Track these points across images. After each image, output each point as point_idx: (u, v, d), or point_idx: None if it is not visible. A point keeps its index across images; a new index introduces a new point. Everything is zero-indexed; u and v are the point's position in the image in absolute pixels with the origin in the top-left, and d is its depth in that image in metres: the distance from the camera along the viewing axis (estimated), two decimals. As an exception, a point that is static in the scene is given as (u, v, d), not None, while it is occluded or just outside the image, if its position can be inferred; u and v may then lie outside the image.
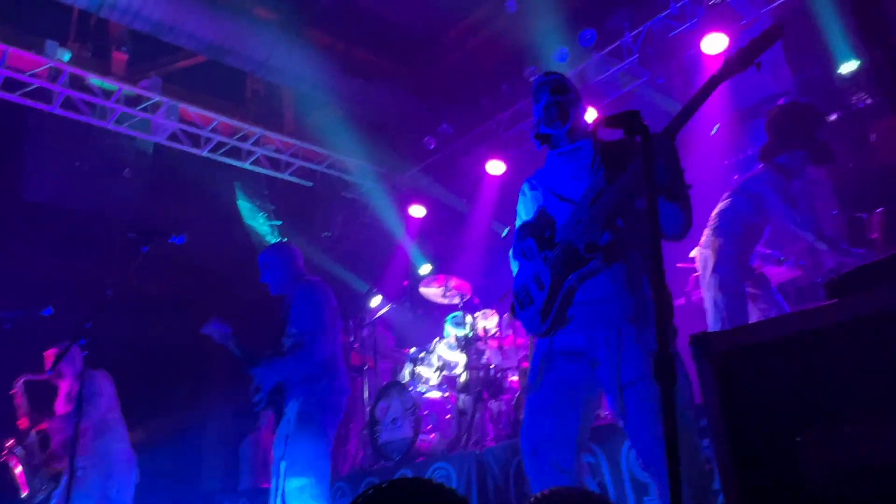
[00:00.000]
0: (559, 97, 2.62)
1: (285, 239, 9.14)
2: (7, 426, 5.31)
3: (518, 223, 2.83)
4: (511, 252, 2.80)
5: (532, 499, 1.69)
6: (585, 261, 2.39)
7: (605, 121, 1.74)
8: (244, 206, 8.88)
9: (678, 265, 5.28)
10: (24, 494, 5.08)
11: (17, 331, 4.61)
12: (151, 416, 9.39)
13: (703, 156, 6.36)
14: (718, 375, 1.66)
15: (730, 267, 4.25)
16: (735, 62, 2.14)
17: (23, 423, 5.22)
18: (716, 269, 4.27)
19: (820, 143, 4.40)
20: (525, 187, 2.85)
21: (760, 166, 4.52)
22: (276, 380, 3.80)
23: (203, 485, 8.99)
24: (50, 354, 5.22)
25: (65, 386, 5.18)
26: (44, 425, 5.15)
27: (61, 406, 5.13)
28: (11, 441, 5.16)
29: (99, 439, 4.97)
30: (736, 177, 5.09)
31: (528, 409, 2.52)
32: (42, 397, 5.32)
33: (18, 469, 5.09)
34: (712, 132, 6.37)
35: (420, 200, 8.62)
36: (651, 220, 1.69)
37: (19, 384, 5.26)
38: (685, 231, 2.43)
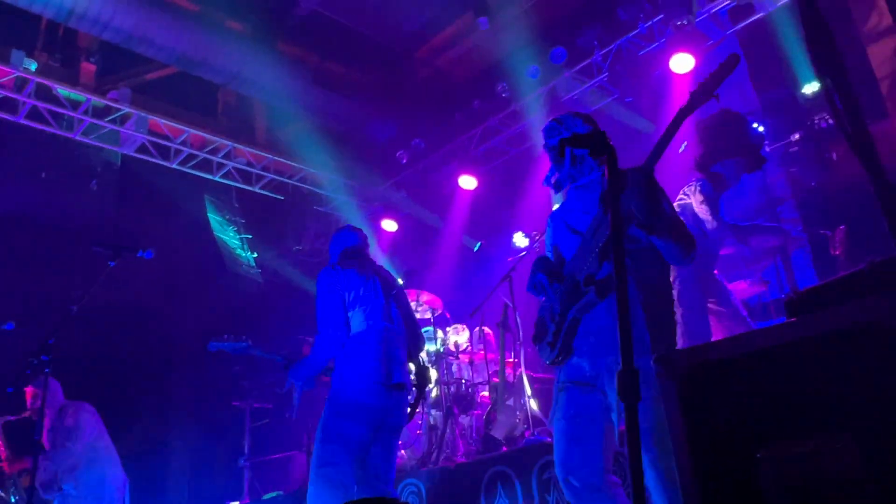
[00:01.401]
0: (553, 141, 2.78)
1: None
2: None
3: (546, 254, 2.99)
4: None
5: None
6: (583, 294, 2.54)
7: (570, 141, 1.77)
8: (214, 220, 8.79)
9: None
10: None
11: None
12: (117, 431, 9.20)
13: (671, 174, 6.45)
14: (681, 392, 1.68)
15: (688, 282, 4.28)
16: (698, 95, 2.35)
17: (6, 467, 5.12)
18: (674, 285, 4.30)
19: (752, 149, 4.49)
20: (549, 220, 2.98)
21: (696, 177, 4.57)
22: (299, 383, 3.63)
23: (169, 499, 8.81)
24: (29, 391, 5.15)
25: (48, 422, 5.09)
26: (27, 464, 5.04)
27: (47, 442, 5.03)
28: None
29: (89, 469, 4.98)
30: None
31: (556, 438, 2.64)
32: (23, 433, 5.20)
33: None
34: (680, 150, 6.47)
35: (392, 215, 8.62)
36: (615, 239, 1.71)
37: None
38: (685, 257, 2.55)
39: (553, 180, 2.79)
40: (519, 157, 7.90)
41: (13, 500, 5.06)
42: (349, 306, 3.61)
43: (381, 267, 3.96)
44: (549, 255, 2.90)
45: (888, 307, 1.44)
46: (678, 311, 4.24)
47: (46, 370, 3.79)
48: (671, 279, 4.35)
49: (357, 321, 3.61)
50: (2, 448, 5.14)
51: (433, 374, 6.02)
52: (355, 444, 3.42)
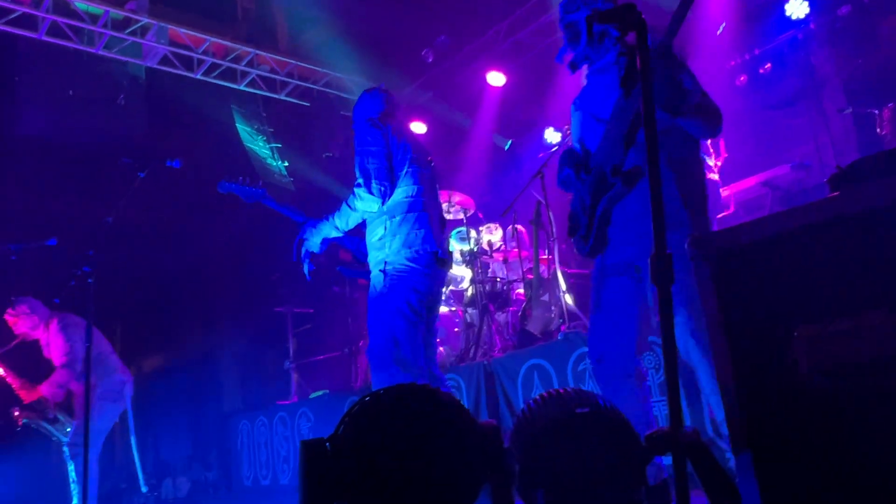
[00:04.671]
0: (571, 17, 2.62)
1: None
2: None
3: (573, 144, 2.88)
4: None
5: (531, 401, 1.73)
6: (611, 185, 2.48)
7: (597, 17, 1.67)
8: (243, 130, 8.77)
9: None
10: (56, 439, 5.26)
11: (23, 262, 4.64)
12: (167, 343, 9.60)
13: (708, 57, 6.18)
14: (715, 275, 1.65)
15: None
16: None
17: (23, 395, 5.24)
18: None
19: None
20: (571, 108, 2.86)
21: None
22: (315, 239, 3.33)
23: (223, 405, 9.26)
24: (9, 318, 5.23)
25: (42, 338, 5.23)
26: (42, 391, 5.18)
27: (54, 358, 5.18)
28: (19, 412, 5.20)
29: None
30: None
31: (591, 325, 2.65)
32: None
33: (41, 427, 5.23)
34: (718, 32, 6.16)
35: (420, 117, 8.47)
36: (647, 120, 1.64)
37: None
38: (713, 130, 2.46)
39: (567, 59, 2.64)
40: (548, 50, 7.61)
41: (60, 437, 5.27)
42: (397, 167, 3.24)
43: (414, 134, 3.64)
44: (575, 145, 2.80)
45: (936, 175, 1.36)
46: None
47: (90, 280, 3.89)
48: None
49: (405, 185, 3.24)
50: (13, 379, 5.27)
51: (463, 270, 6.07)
52: (419, 327, 3.15)
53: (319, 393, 6.69)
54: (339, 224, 3.29)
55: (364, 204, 3.19)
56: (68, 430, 5.19)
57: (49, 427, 5.20)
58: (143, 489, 5.38)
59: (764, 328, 1.62)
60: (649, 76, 1.67)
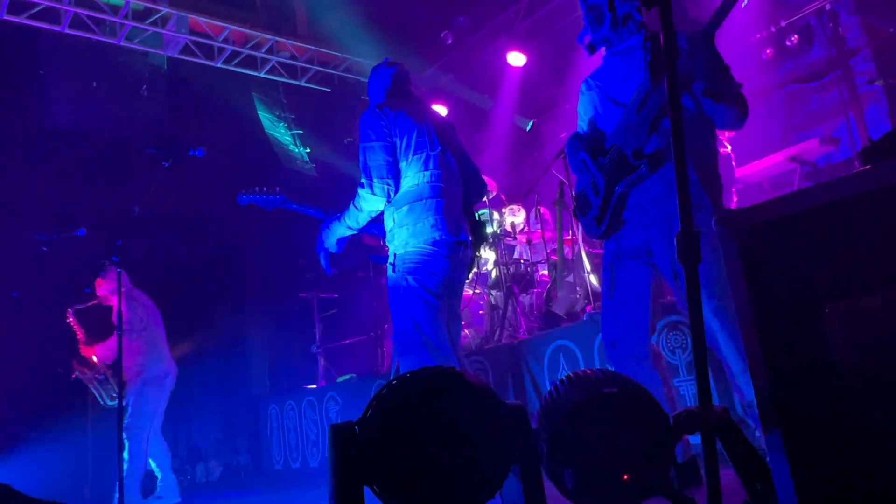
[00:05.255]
0: (592, 0, 2.60)
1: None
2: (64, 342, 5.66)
3: (579, 123, 2.87)
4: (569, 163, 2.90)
5: (559, 382, 1.73)
6: (633, 168, 2.46)
7: (618, -4, 1.64)
8: (265, 117, 8.80)
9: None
10: (101, 402, 5.57)
11: (53, 253, 4.75)
12: (196, 330, 9.72)
13: (733, 31, 6.07)
14: (743, 252, 1.63)
15: None
16: None
17: (83, 350, 5.57)
18: None
19: None
20: (583, 87, 2.84)
21: None
22: (330, 241, 3.30)
23: (252, 390, 9.38)
24: (98, 281, 5.52)
25: (116, 305, 5.46)
26: (102, 349, 5.45)
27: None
28: (76, 365, 5.52)
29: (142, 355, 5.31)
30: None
31: (605, 309, 2.65)
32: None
33: (91, 384, 5.49)
34: (742, 4, 6.04)
35: (440, 99, 8.44)
36: (672, 104, 1.61)
37: (70, 316, 5.56)
38: (739, 124, 2.45)
39: (587, 41, 2.61)
40: (568, 28, 7.52)
41: (106, 400, 5.50)
42: (402, 155, 3.14)
43: (429, 107, 3.48)
44: (582, 125, 2.79)
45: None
46: None
47: (118, 270, 3.97)
48: None
49: (412, 173, 3.14)
50: (80, 332, 5.61)
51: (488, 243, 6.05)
52: (441, 309, 3.08)
53: (346, 377, 6.75)
54: (350, 224, 3.25)
55: (369, 204, 3.14)
56: (114, 395, 5.40)
57: (99, 388, 5.45)
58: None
59: (793, 305, 1.59)
60: (673, 55, 1.64)
